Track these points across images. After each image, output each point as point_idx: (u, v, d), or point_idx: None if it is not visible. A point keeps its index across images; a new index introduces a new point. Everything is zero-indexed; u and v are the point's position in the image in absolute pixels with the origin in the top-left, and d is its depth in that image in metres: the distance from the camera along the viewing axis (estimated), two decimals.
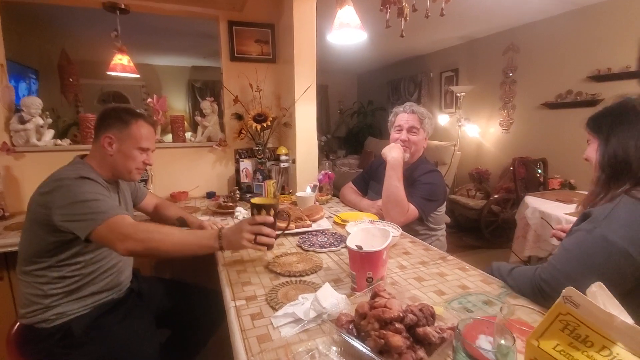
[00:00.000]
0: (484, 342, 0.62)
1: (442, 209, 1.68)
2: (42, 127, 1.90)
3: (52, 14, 3.40)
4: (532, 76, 3.82)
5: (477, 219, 3.69)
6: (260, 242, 1.01)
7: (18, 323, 1.14)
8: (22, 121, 1.84)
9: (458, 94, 4.52)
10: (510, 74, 4.01)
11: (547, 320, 0.41)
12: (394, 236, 1.16)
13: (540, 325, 0.42)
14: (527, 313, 0.76)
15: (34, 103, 1.85)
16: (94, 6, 1.93)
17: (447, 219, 1.77)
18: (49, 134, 1.94)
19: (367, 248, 0.88)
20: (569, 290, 0.38)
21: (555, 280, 0.79)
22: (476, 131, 4.46)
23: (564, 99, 3.46)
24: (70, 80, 5.27)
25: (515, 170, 3.30)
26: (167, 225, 1.06)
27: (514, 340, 0.50)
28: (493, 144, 4.36)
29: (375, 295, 0.70)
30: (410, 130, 1.61)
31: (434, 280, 0.97)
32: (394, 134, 1.66)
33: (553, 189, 3.23)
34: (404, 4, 1.04)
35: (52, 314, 1.06)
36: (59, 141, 1.94)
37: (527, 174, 3.38)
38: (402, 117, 1.64)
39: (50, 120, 1.94)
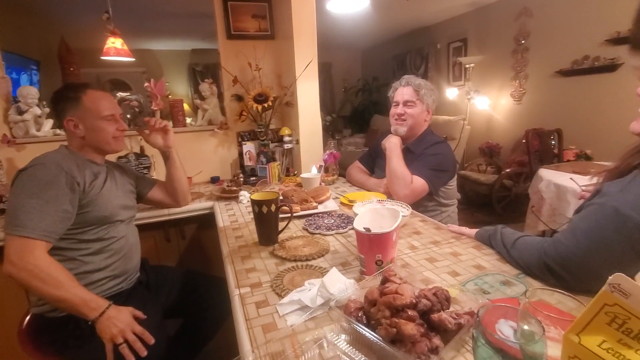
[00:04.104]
0: (505, 327, 0.57)
1: (453, 182, 1.62)
2: (40, 117, 1.87)
3: (50, 4, 3.31)
4: (546, 42, 3.62)
5: (489, 194, 3.61)
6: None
7: (30, 313, 1.13)
8: (20, 112, 1.81)
9: (467, 66, 4.34)
10: (523, 41, 3.81)
11: (590, 312, 0.35)
12: (404, 216, 1.10)
13: (581, 317, 0.36)
14: (549, 294, 0.71)
15: (30, 93, 1.81)
16: None
17: (458, 195, 1.71)
18: (48, 123, 1.90)
19: (375, 229, 0.83)
20: (616, 277, 0.32)
21: (561, 257, 0.73)
22: (486, 104, 4.30)
23: (580, 65, 3.28)
24: (72, 69, 5.21)
25: (528, 142, 3.18)
26: (64, 274, 0.97)
27: (544, 330, 0.45)
28: (504, 117, 4.21)
29: (385, 280, 0.65)
30: (406, 103, 1.58)
31: (447, 261, 0.92)
32: (392, 110, 1.64)
33: (568, 161, 3.11)
34: None
35: None
36: (58, 131, 1.91)
37: (541, 146, 3.26)
38: (399, 91, 1.61)
39: (47, 110, 1.90)
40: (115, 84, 5.98)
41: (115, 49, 1.92)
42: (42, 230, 0.98)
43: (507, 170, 3.57)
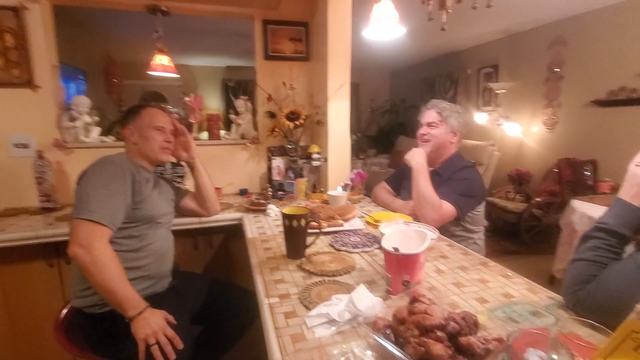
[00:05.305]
0: (533, 357, 0.57)
1: (481, 208, 1.61)
2: (89, 124, 2.02)
3: (99, 19, 3.61)
4: (580, 72, 3.56)
5: (517, 223, 3.50)
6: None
7: (69, 306, 1.19)
8: (72, 119, 1.96)
9: (497, 91, 4.31)
10: (557, 70, 3.76)
11: (617, 338, 0.36)
12: (432, 239, 1.11)
13: (608, 343, 0.37)
14: (580, 327, 0.70)
15: (83, 102, 1.97)
16: (137, 9, 2.01)
17: (485, 223, 1.69)
18: (96, 131, 2.05)
19: (403, 250, 0.84)
20: None
21: (590, 308, 0.73)
22: (517, 130, 4.23)
23: (616, 96, 3.19)
24: (115, 81, 5.60)
25: (561, 171, 3.09)
26: (120, 269, 1.04)
27: (573, 357, 0.45)
28: (535, 144, 4.12)
29: (414, 300, 0.67)
30: (429, 124, 1.63)
31: (475, 287, 0.92)
32: (418, 132, 1.70)
33: (603, 193, 2.99)
34: None
35: (100, 298, 1.09)
36: (104, 138, 2.05)
37: (574, 177, 3.16)
38: (424, 114, 1.68)
39: (97, 119, 2.05)
40: (152, 96, 6.37)
41: (162, 65, 2.07)
42: (110, 217, 1.07)
43: (537, 199, 3.46)
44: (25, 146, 1.87)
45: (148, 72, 2.12)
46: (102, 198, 1.08)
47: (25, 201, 1.87)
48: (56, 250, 1.55)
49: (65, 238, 1.48)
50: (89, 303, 1.11)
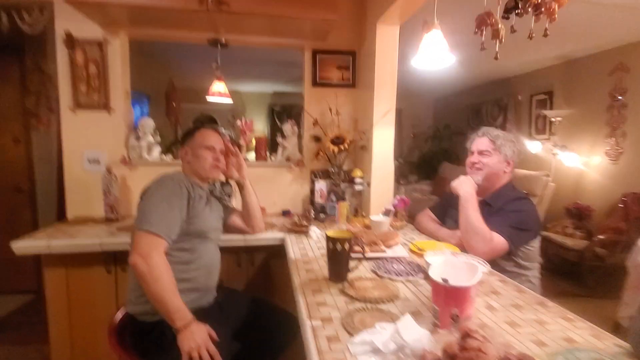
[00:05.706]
0: None
1: (536, 243, 1.50)
2: (152, 144, 2.21)
3: (165, 50, 4.00)
4: None
5: (577, 262, 3.20)
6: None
7: (124, 312, 1.26)
8: (138, 139, 2.16)
9: (552, 119, 4.09)
10: (620, 97, 3.51)
11: None
12: (483, 272, 1.06)
13: None
14: None
15: (148, 124, 2.17)
16: (200, 42, 2.22)
17: (540, 259, 1.57)
18: (157, 149, 2.23)
19: (452, 282, 0.81)
20: None
21: None
22: (576, 160, 3.94)
23: None
24: (173, 104, 6.09)
25: (627, 207, 2.81)
26: (172, 281, 1.11)
27: None
28: (597, 176, 3.80)
29: (466, 335, 0.64)
30: (481, 152, 1.56)
31: (532, 328, 0.85)
32: (467, 160, 1.63)
33: None
34: (500, 25, 0.99)
35: (152, 306, 1.13)
36: (163, 156, 2.23)
37: None
38: (475, 141, 1.62)
39: (159, 139, 2.24)
40: (203, 118, 6.87)
41: (219, 92, 2.25)
42: (167, 230, 1.16)
43: (601, 236, 3.15)
44: (97, 162, 2.08)
45: (207, 97, 2.30)
46: (161, 212, 1.17)
47: (92, 211, 2.06)
48: (114, 258, 1.68)
49: (124, 247, 1.61)
50: (141, 310, 1.18)
